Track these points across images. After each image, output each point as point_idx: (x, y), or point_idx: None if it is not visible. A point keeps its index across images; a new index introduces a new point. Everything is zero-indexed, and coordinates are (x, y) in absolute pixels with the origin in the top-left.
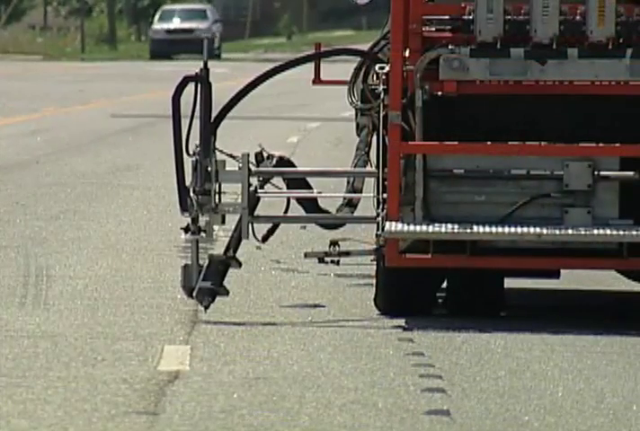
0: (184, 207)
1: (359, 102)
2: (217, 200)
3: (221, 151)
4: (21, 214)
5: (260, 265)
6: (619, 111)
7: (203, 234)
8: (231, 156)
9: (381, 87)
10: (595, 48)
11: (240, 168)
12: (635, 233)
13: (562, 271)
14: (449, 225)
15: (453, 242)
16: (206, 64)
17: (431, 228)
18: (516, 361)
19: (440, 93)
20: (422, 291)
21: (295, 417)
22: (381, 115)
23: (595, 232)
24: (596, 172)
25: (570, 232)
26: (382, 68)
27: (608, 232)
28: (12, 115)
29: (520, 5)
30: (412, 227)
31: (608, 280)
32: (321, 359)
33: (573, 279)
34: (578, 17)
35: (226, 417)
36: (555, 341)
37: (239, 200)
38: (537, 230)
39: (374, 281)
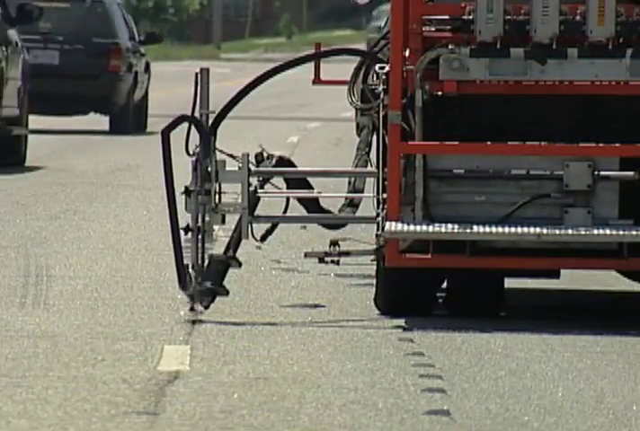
0: (183, 285)
1: (359, 102)
2: (217, 200)
3: (221, 151)
4: (21, 214)
5: (260, 265)
6: (619, 111)
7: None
8: (231, 156)
9: (381, 87)
10: (595, 48)
11: (240, 168)
12: (635, 232)
13: (562, 271)
14: (449, 225)
15: (453, 242)
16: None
17: (431, 228)
18: (516, 361)
19: (440, 93)
20: (422, 291)
21: (295, 417)
22: (381, 115)
23: (595, 232)
24: (596, 172)
25: (570, 232)
26: (382, 68)
27: (608, 232)
28: None
29: (520, 5)
30: (412, 227)
31: (609, 280)
32: (321, 359)
33: (573, 279)
34: (578, 17)
35: (226, 417)
36: (555, 341)
37: (239, 200)
38: (537, 230)
39: (374, 281)
